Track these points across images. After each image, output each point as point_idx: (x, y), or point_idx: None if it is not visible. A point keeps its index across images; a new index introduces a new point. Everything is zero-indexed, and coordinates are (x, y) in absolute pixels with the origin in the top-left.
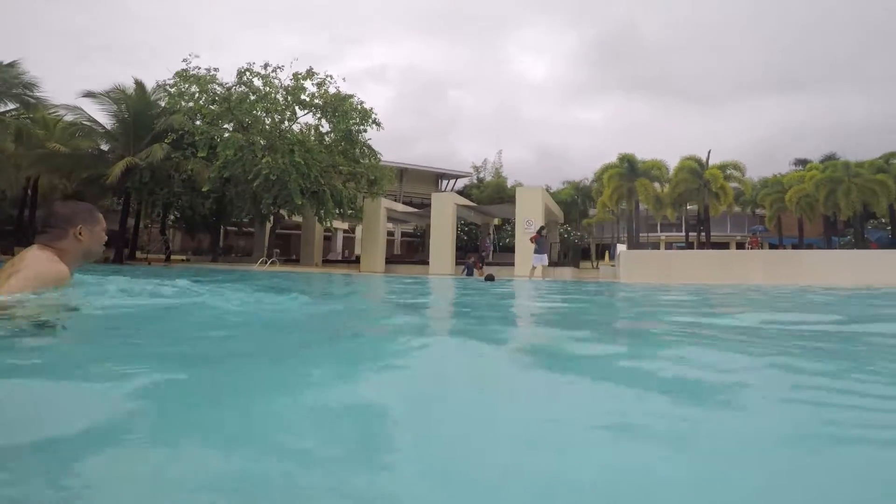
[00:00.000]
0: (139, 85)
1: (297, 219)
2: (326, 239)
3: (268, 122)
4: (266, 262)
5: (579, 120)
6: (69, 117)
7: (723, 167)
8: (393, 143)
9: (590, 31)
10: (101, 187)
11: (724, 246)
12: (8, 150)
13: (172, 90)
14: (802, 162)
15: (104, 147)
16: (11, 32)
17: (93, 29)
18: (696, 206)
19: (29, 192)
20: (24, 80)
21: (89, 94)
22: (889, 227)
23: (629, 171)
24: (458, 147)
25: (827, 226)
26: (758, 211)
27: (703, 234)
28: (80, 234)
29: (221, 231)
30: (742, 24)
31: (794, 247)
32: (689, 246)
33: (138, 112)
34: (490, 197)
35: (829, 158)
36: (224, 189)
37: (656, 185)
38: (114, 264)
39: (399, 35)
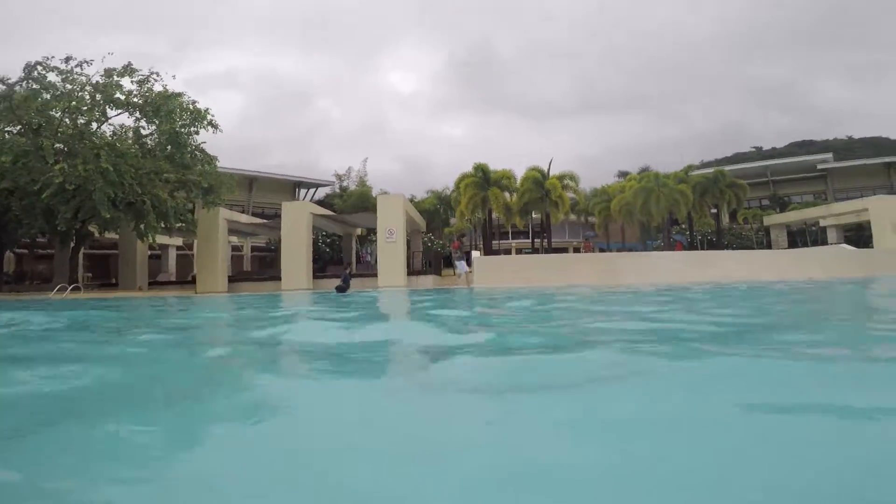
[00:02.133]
0: None
1: (114, 236)
2: (155, 258)
3: (67, 123)
4: (66, 290)
5: (442, 133)
6: None
7: (561, 177)
8: (246, 152)
9: (454, 50)
10: None
11: (563, 250)
12: None
13: None
14: (623, 174)
15: None
16: None
17: None
18: (539, 214)
19: None
20: None
21: None
22: (688, 232)
23: (483, 180)
24: (321, 158)
25: (642, 231)
26: (590, 218)
27: (545, 240)
28: None
29: (6, 255)
30: (575, 49)
31: (619, 250)
32: (535, 251)
33: None
34: (354, 206)
35: (644, 170)
36: (8, 202)
37: (506, 194)
38: None
39: (257, 42)
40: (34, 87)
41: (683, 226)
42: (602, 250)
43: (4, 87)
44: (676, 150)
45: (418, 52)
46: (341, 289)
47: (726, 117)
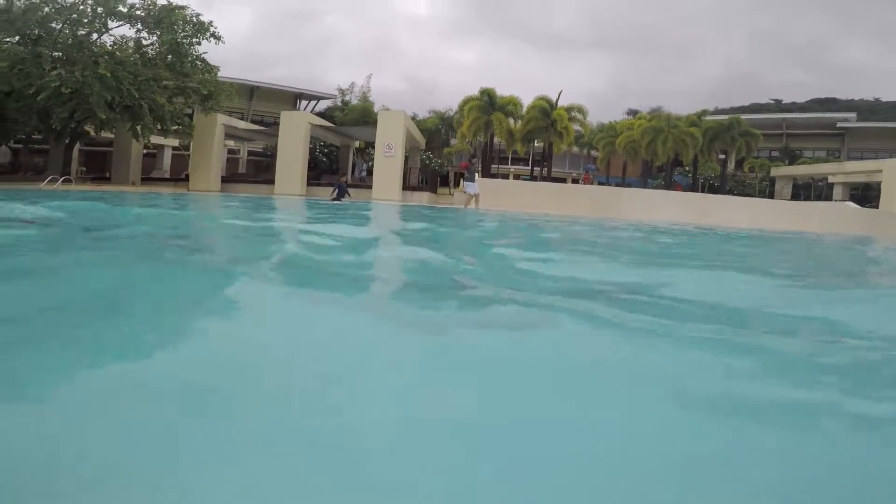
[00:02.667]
0: None
1: (110, 135)
2: (150, 156)
3: (66, 34)
4: (57, 181)
5: (451, 57)
6: None
7: (569, 109)
8: (254, 63)
9: None
10: None
11: (562, 180)
12: None
13: None
14: (633, 112)
15: None
16: None
17: None
18: (542, 143)
19: None
20: None
21: None
22: (691, 174)
23: (488, 104)
24: (327, 73)
25: (645, 169)
26: (592, 152)
27: (545, 169)
28: None
29: (1, 148)
30: None
31: (618, 185)
32: (534, 179)
33: None
34: (355, 121)
35: (656, 110)
36: (3, 104)
37: (510, 120)
38: None
39: None
40: (34, 0)
41: (687, 168)
42: (601, 184)
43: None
44: (689, 95)
45: None
46: (337, 196)
47: (745, 68)
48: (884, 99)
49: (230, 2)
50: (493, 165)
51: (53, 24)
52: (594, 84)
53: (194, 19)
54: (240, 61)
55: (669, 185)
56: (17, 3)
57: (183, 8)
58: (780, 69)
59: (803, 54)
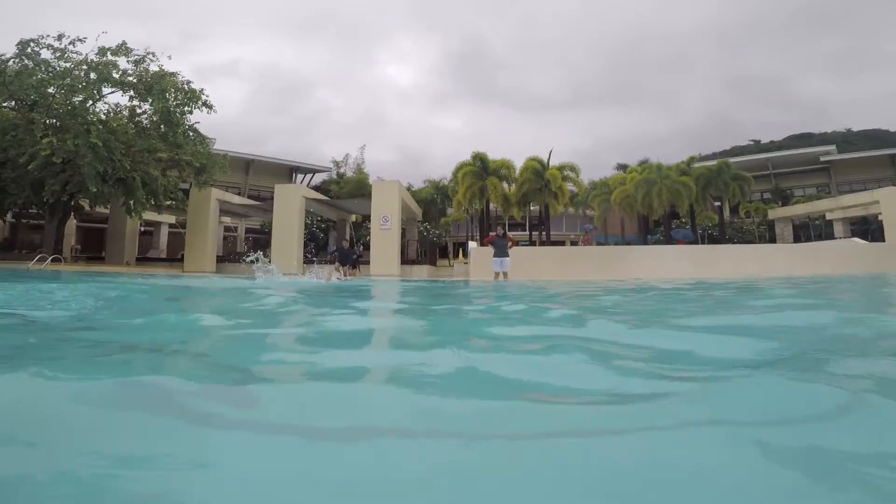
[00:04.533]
0: None
1: (106, 211)
2: (147, 234)
3: (59, 100)
4: (46, 260)
5: (439, 125)
6: None
7: (561, 168)
8: (249, 138)
9: (448, 44)
10: None
11: (560, 243)
12: None
13: None
14: (623, 166)
15: None
16: None
17: None
18: (538, 205)
19: None
20: None
21: None
22: (689, 225)
23: (481, 169)
24: (320, 147)
25: (642, 225)
26: (588, 211)
27: (543, 232)
28: None
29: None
30: (559, 43)
31: (617, 243)
32: (533, 244)
33: None
34: (351, 193)
35: (644, 163)
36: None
37: (504, 184)
38: None
39: (257, 34)
40: (27, 63)
41: (684, 220)
42: (600, 244)
43: None
44: (669, 144)
45: (413, 46)
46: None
47: (718, 112)
48: (855, 129)
49: (226, 75)
50: (490, 233)
51: (49, 90)
52: (579, 141)
53: (185, 87)
54: (235, 135)
55: (669, 239)
56: (11, 65)
57: (174, 74)
58: (751, 110)
59: (770, 93)
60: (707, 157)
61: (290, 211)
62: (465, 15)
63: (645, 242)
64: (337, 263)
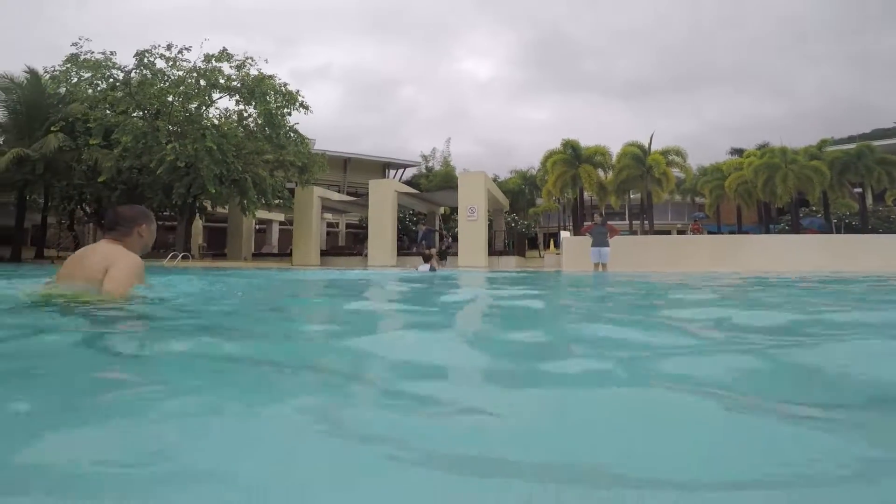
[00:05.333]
0: (32, 73)
1: (226, 211)
2: (261, 231)
3: (178, 107)
4: (177, 257)
5: (523, 116)
6: None
7: (665, 152)
8: (343, 137)
9: (526, 34)
10: None
11: (665, 233)
12: None
13: (58, 74)
14: (738, 151)
15: None
16: None
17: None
18: (639, 193)
19: None
20: None
21: None
22: (821, 215)
23: (573, 157)
24: (409, 142)
25: (763, 213)
26: (697, 199)
27: (645, 221)
28: (141, 232)
29: None
30: (654, 27)
31: (731, 233)
32: (633, 234)
33: (32, 102)
34: (438, 186)
35: (764, 146)
36: (138, 179)
37: (600, 171)
38: (10, 263)
39: (344, 37)
40: (146, 73)
41: (815, 208)
42: (711, 233)
43: (123, 74)
44: (786, 127)
45: (487, 40)
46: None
47: (846, 94)
48: None
49: (320, 79)
50: (585, 223)
51: (169, 98)
52: (681, 126)
53: (283, 89)
54: (333, 135)
55: (797, 228)
56: (134, 76)
57: (272, 77)
58: (889, 91)
59: None
60: (841, 141)
61: (383, 205)
62: (537, 5)
63: (767, 232)
64: (428, 251)
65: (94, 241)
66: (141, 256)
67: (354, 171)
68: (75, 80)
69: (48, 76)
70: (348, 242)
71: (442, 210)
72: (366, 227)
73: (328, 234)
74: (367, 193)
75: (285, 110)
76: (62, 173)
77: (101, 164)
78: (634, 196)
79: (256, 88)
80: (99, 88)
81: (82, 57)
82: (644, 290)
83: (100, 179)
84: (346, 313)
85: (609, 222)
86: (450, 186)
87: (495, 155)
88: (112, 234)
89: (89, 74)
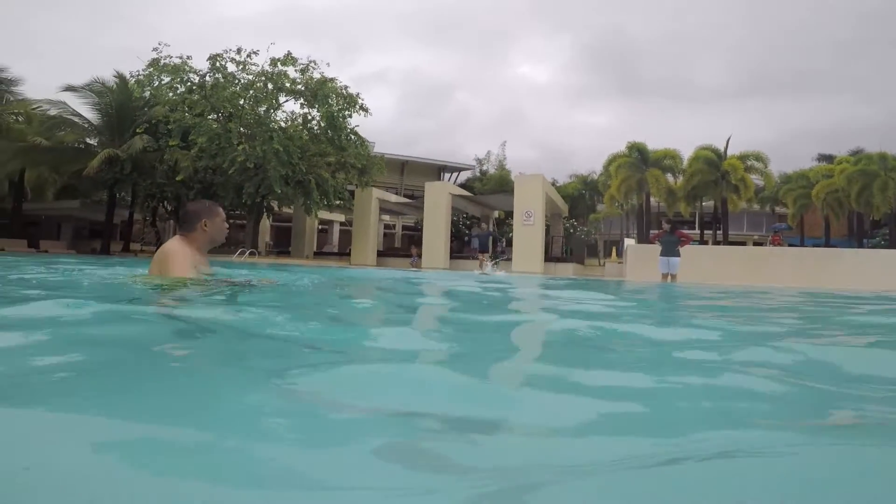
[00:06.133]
0: (121, 78)
1: (291, 211)
2: (322, 231)
3: (247, 110)
4: (244, 254)
5: (582, 121)
6: (53, 112)
7: (743, 157)
8: (400, 140)
9: (583, 38)
10: (91, 180)
11: (740, 244)
12: None
13: (142, 78)
14: (827, 157)
15: (92, 141)
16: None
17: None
18: (712, 200)
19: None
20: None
21: (70, 88)
22: None
23: (639, 160)
24: (464, 147)
25: (855, 225)
26: (777, 209)
27: (719, 231)
28: (205, 225)
29: None
30: (725, 30)
31: (816, 247)
32: (704, 244)
33: (121, 105)
34: (493, 190)
35: (857, 153)
36: (212, 179)
37: (669, 176)
38: (101, 255)
39: (402, 43)
40: (218, 76)
41: None
42: (792, 246)
43: (198, 77)
44: (883, 133)
45: (544, 45)
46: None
47: None
48: None
49: (379, 83)
50: (651, 231)
51: (240, 102)
52: (758, 132)
53: (344, 92)
54: (392, 139)
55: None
56: (208, 80)
57: (333, 80)
58: None
59: None
60: None
61: (437, 207)
62: (596, 9)
63: (859, 246)
64: (481, 252)
65: (174, 235)
66: (210, 251)
67: (411, 174)
68: (156, 83)
69: (133, 80)
70: (403, 244)
71: (496, 214)
72: (420, 230)
73: (385, 235)
74: (423, 196)
75: (346, 112)
76: (146, 172)
77: (179, 164)
78: (707, 203)
79: (319, 91)
80: (178, 92)
81: (162, 61)
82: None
83: (178, 178)
84: (499, 327)
85: (680, 230)
86: (504, 190)
87: (553, 159)
88: (181, 229)
89: (169, 78)
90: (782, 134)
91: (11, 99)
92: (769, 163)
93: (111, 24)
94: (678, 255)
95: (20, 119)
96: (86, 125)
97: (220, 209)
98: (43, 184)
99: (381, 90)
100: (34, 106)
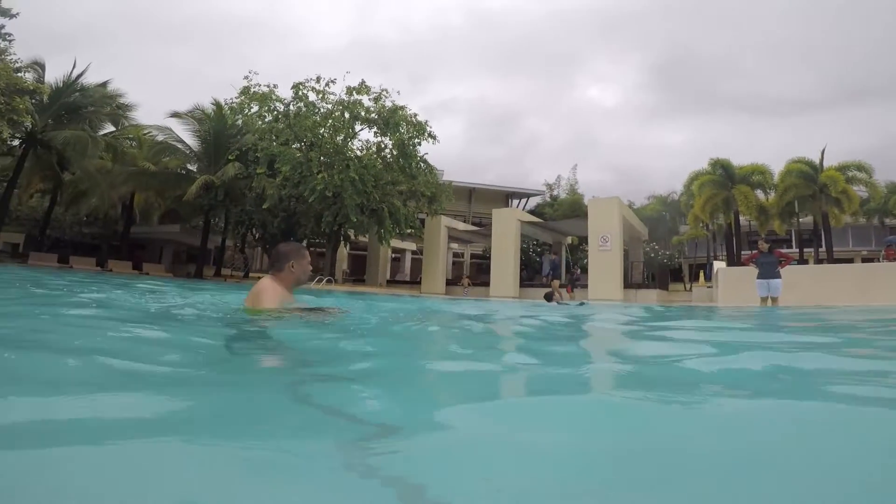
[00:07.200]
0: (217, 105)
1: (366, 239)
2: (395, 260)
3: (327, 139)
4: (322, 280)
5: (657, 141)
6: (160, 137)
7: (842, 168)
8: (467, 170)
9: (651, 58)
10: (190, 205)
11: (847, 262)
12: (105, 167)
13: (235, 106)
14: None
15: (192, 167)
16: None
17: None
18: (810, 216)
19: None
20: (118, 101)
21: (175, 115)
22: None
23: (724, 177)
24: (532, 173)
25: None
26: (887, 221)
27: (821, 248)
28: (292, 266)
29: None
30: (801, 38)
31: None
32: (804, 263)
33: (217, 132)
34: (565, 215)
35: None
36: (295, 207)
37: (759, 193)
38: (194, 279)
39: (466, 72)
40: (300, 105)
41: None
42: None
43: (283, 106)
44: None
45: (612, 67)
46: (548, 297)
47: None
48: None
49: (445, 113)
50: (742, 252)
51: (321, 131)
52: (856, 140)
53: (413, 119)
54: (460, 168)
55: None
56: (291, 108)
57: (403, 108)
58: None
59: None
60: None
61: (506, 234)
62: (664, 27)
63: None
64: (554, 281)
65: (261, 263)
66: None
67: (478, 202)
68: (247, 111)
69: (227, 108)
70: (472, 272)
71: (569, 240)
72: (488, 258)
73: (454, 263)
74: (490, 223)
75: (416, 140)
76: (237, 199)
77: (266, 192)
78: (805, 220)
79: (391, 119)
80: (266, 120)
81: (252, 90)
82: None
83: (264, 206)
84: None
85: (779, 249)
86: (576, 215)
87: (627, 181)
88: (272, 269)
89: (258, 107)
90: (883, 139)
91: (126, 124)
92: (873, 172)
93: (214, 55)
94: (779, 276)
95: (133, 144)
96: (187, 151)
97: (307, 251)
98: (149, 208)
99: (449, 119)
100: (145, 131)
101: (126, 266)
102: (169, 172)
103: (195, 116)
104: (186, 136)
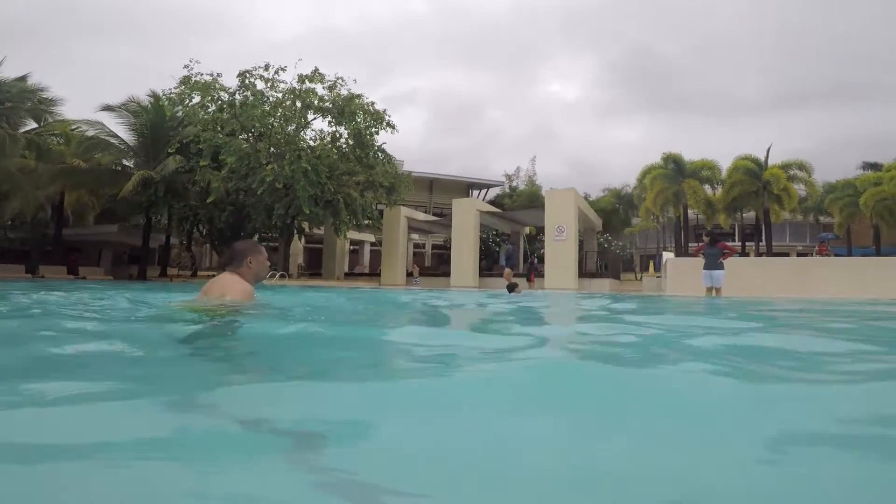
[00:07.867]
0: (155, 97)
1: (321, 231)
2: (354, 252)
3: (277, 129)
4: (275, 276)
5: (613, 137)
6: (91, 133)
7: (785, 167)
8: (430, 160)
9: (611, 55)
10: (128, 203)
11: (784, 255)
12: (28, 166)
13: (174, 97)
14: (872, 165)
15: (128, 162)
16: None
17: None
18: (752, 211)
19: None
20: (40, 95)
21: (107, 108)
22: None
23: (675, 172)
24: (493, 164)
25: None
26: (821, 218)
27: (761, 242)
28: (250, 262)
29: None
30: (753, 42)
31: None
32: (746, 256)
33: (155, 125)
34: (523, 206)
35: None
36: (244, 200)
37: (707, 188)
38: (137, 281)
39: (431, 63)
40: (247, 94)
41: None
42: (838, 256)
43: (228, 95)
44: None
45: (573, 63)
46: (511, 287)
47: None
48: None
49: (408, 104)
50: (689, 245)
51: (270, 120)
52: (796, 143)
53: (371, 108)
54: (421, 158)
55: None
56: (238, 98)
57: (360, 97)
58: None
59: None
60: None
61: (466, 224)
62: (625, 26)
63: None
64: (506, 270)
65: (210, 260)
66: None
67: (439, 192)
68: (187, 101)
69: (166, 99)
70: (433, 263)
71: (527, 230)
72: (448, 248)
73: (415, 254)
74: (451, 213)
75: (373, 129)
76: (180, 194)
77: (210, 186)
78: (748, 215)
79: (346, 108)
80: (209, 111)
81: (193, 79)
82: None
83: (209, 200)
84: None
85: (724, 242)
86: (535, 206)
87: (583, 174)
88: (230, 267)
89: (199, 97)
90: (821, 144)
91: (51, 119)
92: (813, 172)
93: (155, 47)
94: (722, 267)
95: (60, 141)
96: (122, 146)
97: (263, 248)
98: (83, 208)
99: (411, 110)
100: (73, 126)
101: (60, 271)
102: (102, 169)
103: (130, 109)
104: (121, 130)
